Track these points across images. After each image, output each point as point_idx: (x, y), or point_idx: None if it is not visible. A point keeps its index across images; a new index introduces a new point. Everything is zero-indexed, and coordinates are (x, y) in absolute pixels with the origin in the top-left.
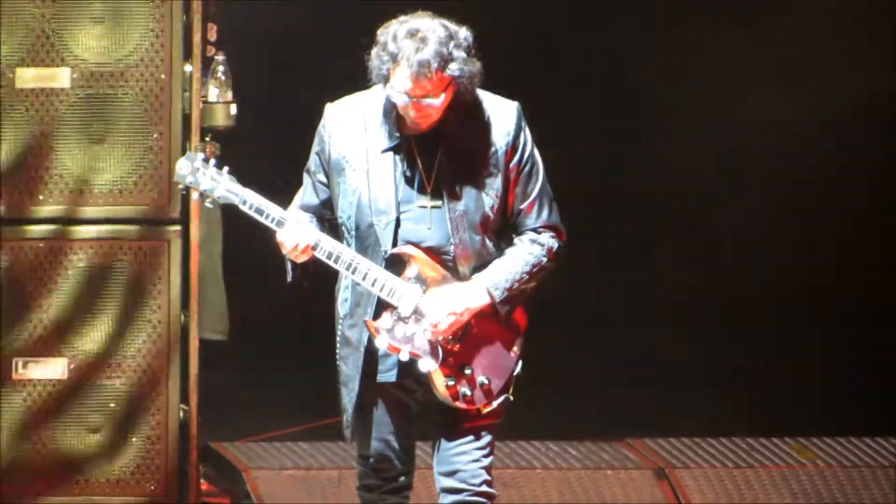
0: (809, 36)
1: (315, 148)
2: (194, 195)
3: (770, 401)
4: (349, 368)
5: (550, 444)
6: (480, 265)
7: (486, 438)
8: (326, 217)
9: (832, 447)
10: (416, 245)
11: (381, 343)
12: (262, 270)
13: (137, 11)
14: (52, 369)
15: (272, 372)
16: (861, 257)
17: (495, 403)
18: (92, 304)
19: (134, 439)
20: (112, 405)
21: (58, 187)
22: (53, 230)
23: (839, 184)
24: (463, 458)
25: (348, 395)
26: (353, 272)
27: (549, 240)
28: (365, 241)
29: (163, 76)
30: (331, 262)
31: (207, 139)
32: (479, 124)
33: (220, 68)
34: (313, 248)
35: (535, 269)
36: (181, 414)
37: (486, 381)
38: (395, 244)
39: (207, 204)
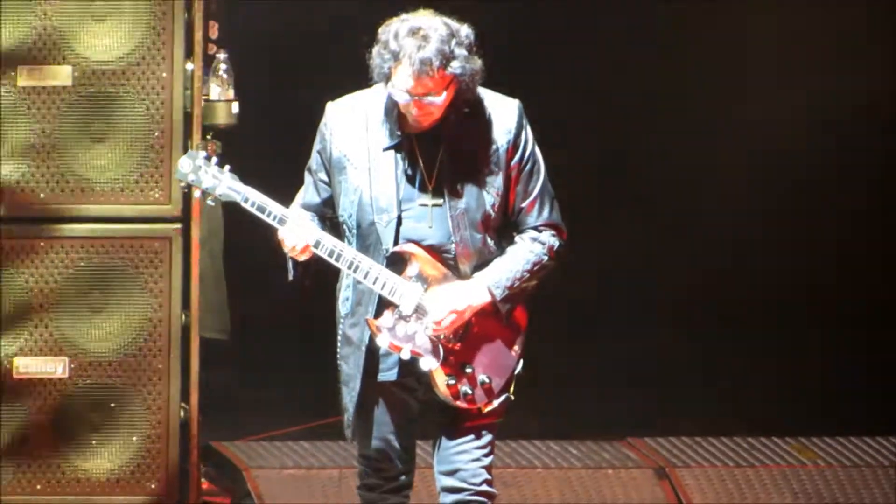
0: (809, 36)
1: (316, 146)
2: (196, 193)
3: (770, 401)
4: (350, 367)
5: (551, 444)
6: (481, 264)
7: (487, 437)
8: (328, 215)
9: (832, 447)
10: (418, 243)
11: (383, 341)
12: (262, 270)
13: (139, 9)
14: (53, 369)
15: (273, 371)
16: (861, 257)
17: (496, 402)
18: (92, 303)
19: (134, 438)
20: (112, 405)
21: (59, 186)
22: (54, 229)
23: (839, 184)
24: (463, 458)
25: (349, 395)
26: (354, 270)
27: (550, 238)
28: (366, 240)
29: (164, 74)
30: (332, 261)
31: (209, 137)
32: (481, 122)
33: (222, 66)
34: (314, 247)
35: (536, 268)
36: (182, 413)
37: (486, 380)
38: (396, 242)
39: (209, 202)
